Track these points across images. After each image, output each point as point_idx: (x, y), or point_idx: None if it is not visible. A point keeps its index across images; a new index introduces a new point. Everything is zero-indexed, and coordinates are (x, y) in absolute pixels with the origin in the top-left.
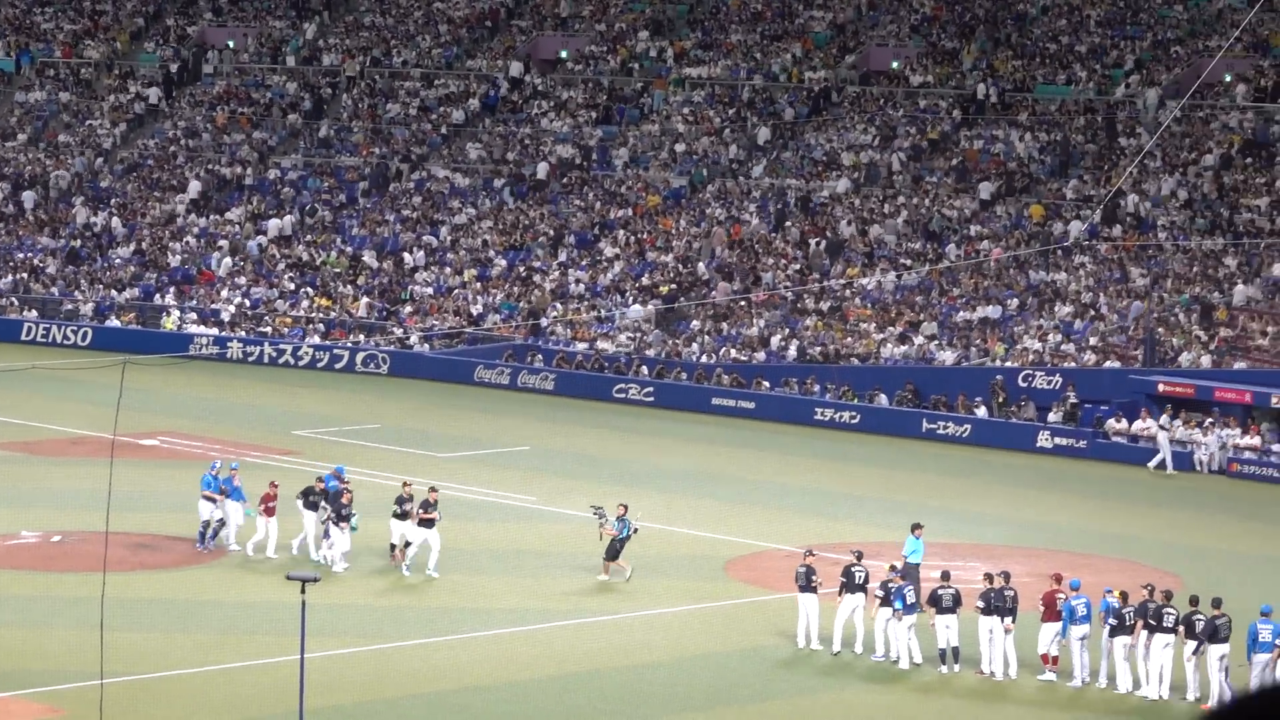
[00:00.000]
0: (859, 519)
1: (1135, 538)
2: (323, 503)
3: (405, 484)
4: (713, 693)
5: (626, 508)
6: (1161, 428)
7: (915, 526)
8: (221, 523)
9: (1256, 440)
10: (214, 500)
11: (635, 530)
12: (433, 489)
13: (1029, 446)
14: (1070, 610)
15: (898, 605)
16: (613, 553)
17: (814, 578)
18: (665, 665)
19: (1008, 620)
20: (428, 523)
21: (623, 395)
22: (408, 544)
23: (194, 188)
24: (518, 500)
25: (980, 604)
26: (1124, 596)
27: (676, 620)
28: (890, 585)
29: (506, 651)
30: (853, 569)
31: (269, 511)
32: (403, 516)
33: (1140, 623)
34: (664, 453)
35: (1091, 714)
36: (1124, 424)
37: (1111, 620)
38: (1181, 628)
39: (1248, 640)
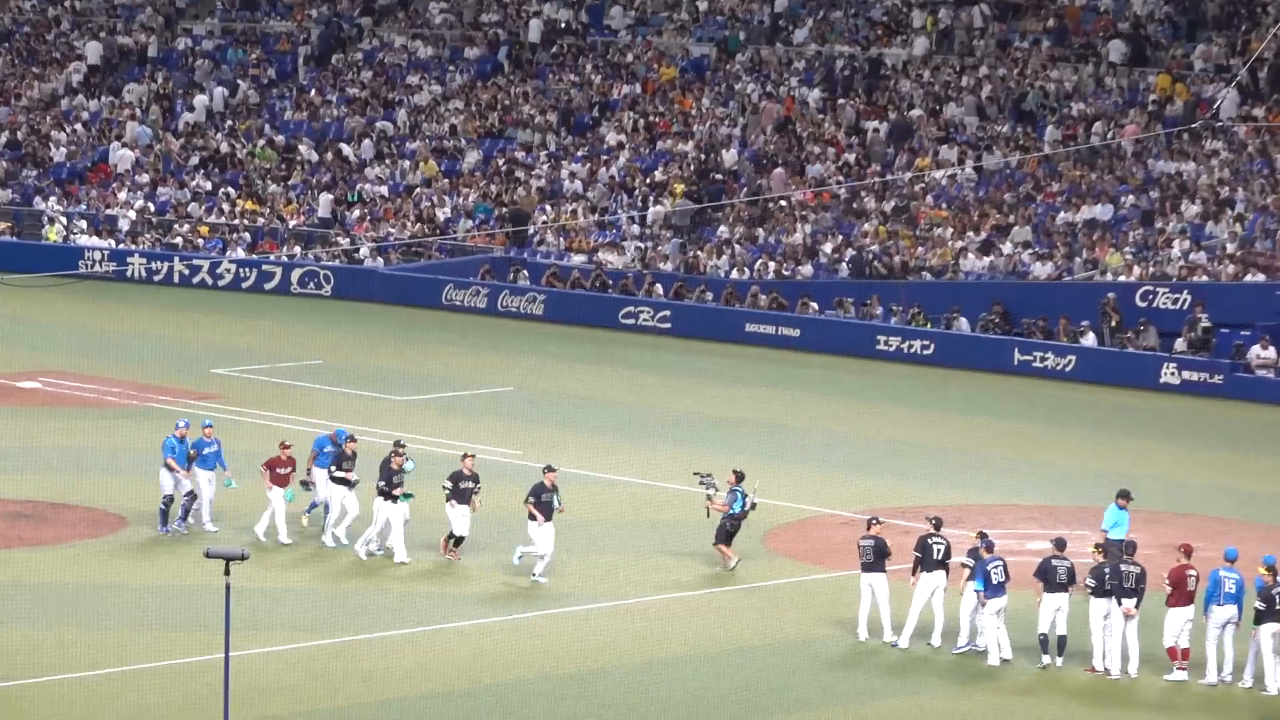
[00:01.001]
0: (936, 477)
1: None
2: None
3: (467, 456)
4: (749, 698)
5: (740, 475)
6: None
7: (1121, 495)
8: (192, 497)
9: None
10: (176, 470)
11: (753, 505)
12: (549, 469)
13: (1149, 383)
14: (1215, 585)
15: (978, 586)
16: (725, 534)
17: (885, 552)
18: (688, 663)
19: (1128, 603)
20: (546, 511)
21: (631, 321)
22: (459, 539)
23: (84, 61)
24: (498, 455)
25: (1091, 582)
26: (1274, 572)
27: (703, 606)
28: (980, 556)
29: (486, 647)
30: (930, 541)
31: (279, 480)
32: (462, 498)
33: None
34: (684, 394)
35: None
36: (1271, 353)
37: (1258, 603)
38: None
39: None
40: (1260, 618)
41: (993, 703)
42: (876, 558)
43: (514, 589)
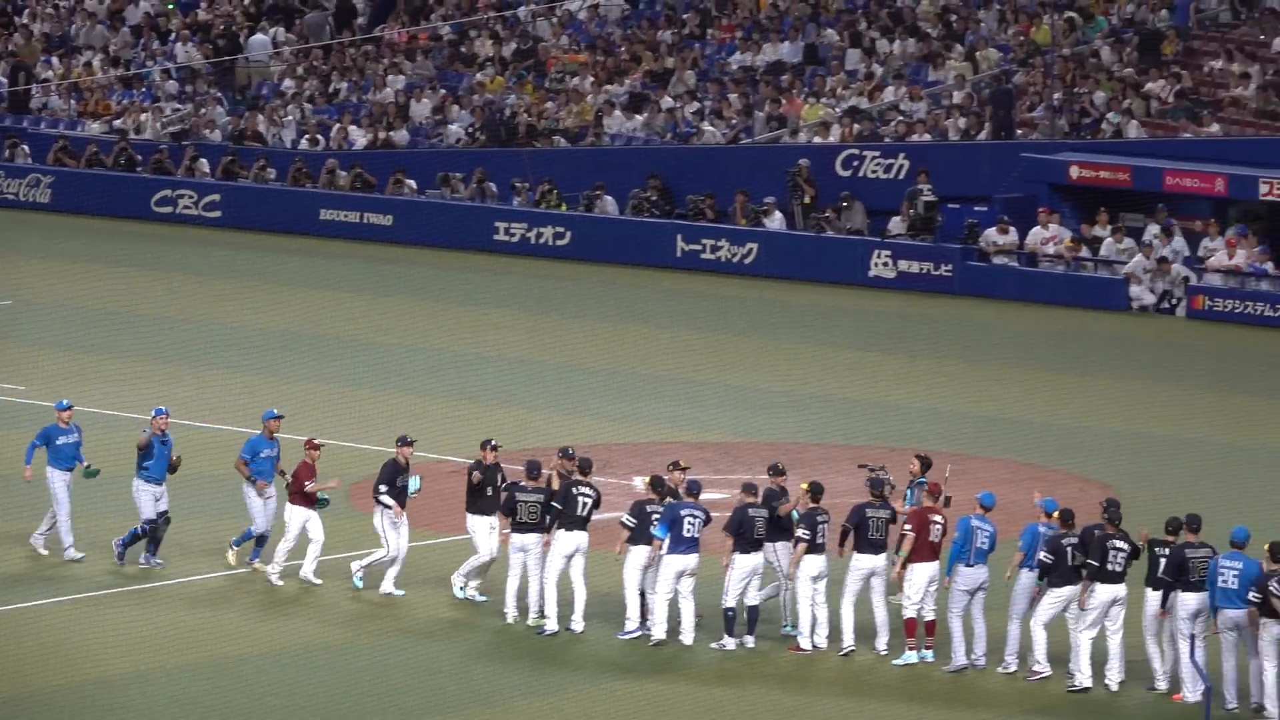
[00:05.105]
0: (575, 406)
1: (1035, 424)
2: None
3: (562, 462)
4: (334, 708)
5: (926, 463)
6: (1142, 244)
7: None
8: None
9: (1238, 257)
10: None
11: (946, 501)
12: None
13: (855, 276)
14: (966, 537)
15: (659, 533)
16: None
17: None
18: (250, 664)
19: (872, 559)
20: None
21: (169, 209)
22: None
23: None
24: None
25: (804, 533)
26: (1067, 519)
27: (255, 589)
28: (646, 513)
29: None
30: (576, 491)
31: (302, 496)
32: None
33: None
34: (240, 303)
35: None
36: (1011, 236)
37: (1044, 555)
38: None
39: (1209, 583)
40: (1046, 573)
41: (670, 693)
42: (536, 511)
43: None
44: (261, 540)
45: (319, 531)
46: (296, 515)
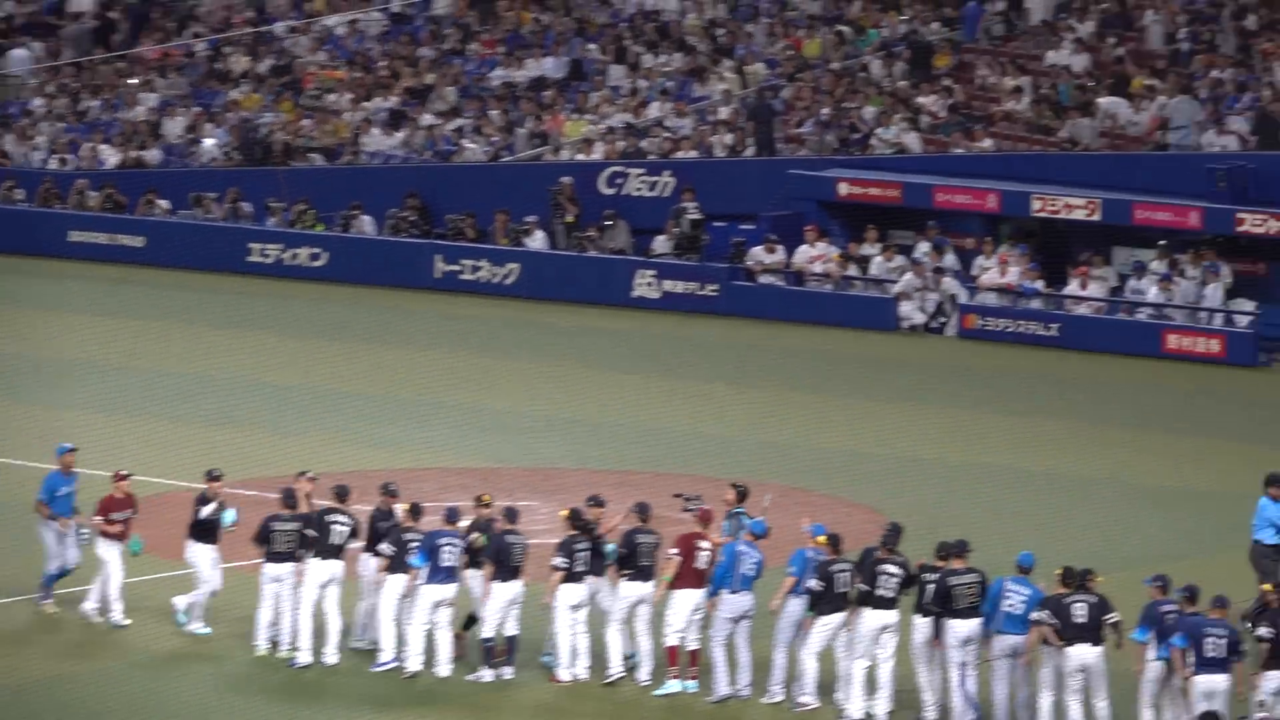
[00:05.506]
0: (328, 431)
1: (802, 447)
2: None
3: (479, 503)
4: None
5: (743, 493)
6: (915, 261)
7: (1273, 482)
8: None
9: (1010, 274)
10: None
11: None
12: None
13: (619, 297)
14: (732, 563)
15: (418, 562)
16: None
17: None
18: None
19: (638, 586)
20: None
21: None
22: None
23: None
24: None
25: (561, 561)
26: (835, 544)
27: (20, 619)
28: (400, 538)
29: None
30: (329, 519)
31: (114, 532)
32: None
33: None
34: None
35: None
36: (778, 255)
37: (814, 582)
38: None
39: (988, 607)
40: (816, 602)
41: None
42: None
43: None
44: (58, 577)
45: (118, 569)
46: (106, 549)
